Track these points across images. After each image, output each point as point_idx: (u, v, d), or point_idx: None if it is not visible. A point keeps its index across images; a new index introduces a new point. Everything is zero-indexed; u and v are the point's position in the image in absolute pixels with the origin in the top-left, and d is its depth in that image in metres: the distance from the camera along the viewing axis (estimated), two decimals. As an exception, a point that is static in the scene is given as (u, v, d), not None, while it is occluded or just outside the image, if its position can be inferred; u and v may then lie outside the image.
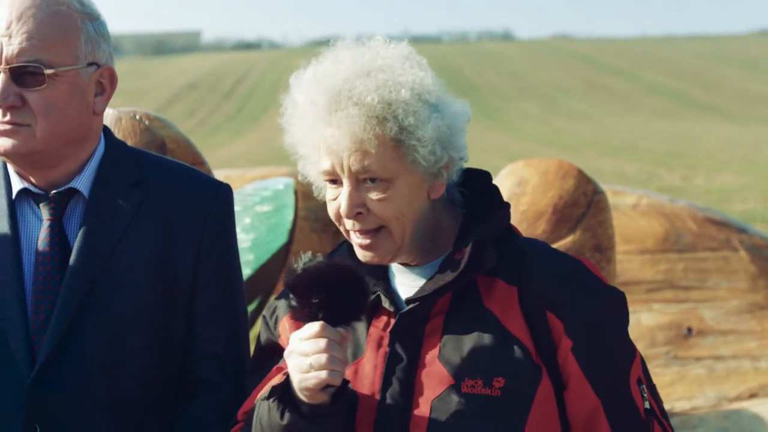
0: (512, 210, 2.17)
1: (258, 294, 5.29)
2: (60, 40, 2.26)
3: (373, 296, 2.07)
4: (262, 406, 2.05)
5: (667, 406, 2.64)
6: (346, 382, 1.99)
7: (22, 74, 2.24)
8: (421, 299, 2.04)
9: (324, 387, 1.95)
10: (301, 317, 1.99)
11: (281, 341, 2.18)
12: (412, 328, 2.06)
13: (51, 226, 2.32)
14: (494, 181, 2.19)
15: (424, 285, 2.06)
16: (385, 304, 2.09)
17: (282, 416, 1.98)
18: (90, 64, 2.31)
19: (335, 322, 1.97)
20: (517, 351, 2.01)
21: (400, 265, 2.13)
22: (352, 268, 2.00)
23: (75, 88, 2.28)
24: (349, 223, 2.06)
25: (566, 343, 2.03)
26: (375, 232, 2.05)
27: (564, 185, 4.08)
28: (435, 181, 2.07)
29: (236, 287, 2.44)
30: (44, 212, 2.33)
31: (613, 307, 2.11)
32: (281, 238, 5.39)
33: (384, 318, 2.09)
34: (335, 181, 2.06)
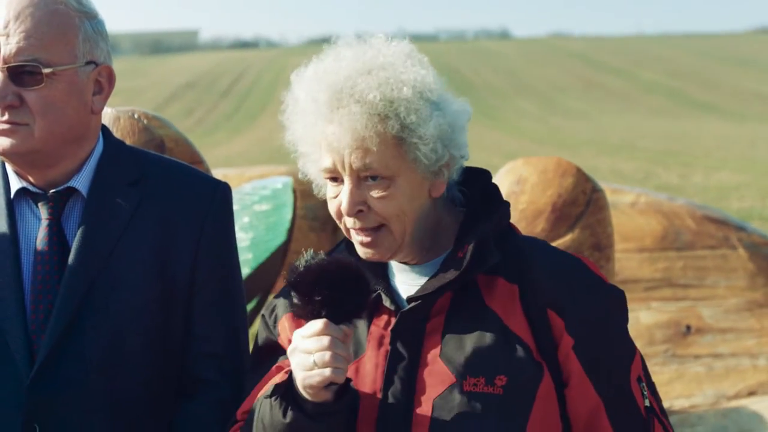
0: (511, 208, 2.17)
1: (257, 293, 5.28)
2: (58, 39, 2.25)
3: (374, 294, 2.07)
4: (263, 404, 2.04)
5: (666, 405, 2.64)
6: (348, 380, 1.99)
7: (20, 73, 2.23)
8: (422, 297, 2.04)
9: (327, 385, 1.94)
10: (303, 315, 1.99)
11: (280, 340, 2.18)
12: (413, 326, 2.06)
13: (50, 226, 2.31)
14: (493, 180, 2.19)
15: (426, 283, 2.06)
16: (386, 302, 2.08)
17: (285, 414, 1.98)
18: (88, 63, 2.30)
19: (338, 319, 1.96)
20: (519, 349, 2.01)
21: (400, 264, 2.13)
22: (355, 265, 1.99)
23: (73, 87, 2.28)
24: (349, 221, 2.06)
25: (567, 341, 2.03)
26: (375, 229, 2.05)
27: (563, 183, 4.08)
28: (436, 179, 2.07)
29: (235, 286, 2.44)
30: (43, 211, 2.32)
31: (613, 305, 2.12)
32: (280, 237, 5.39)
33: (385, 317, 2.09)
34: (336, 178, 2.06)
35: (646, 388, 2.10)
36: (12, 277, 2.28)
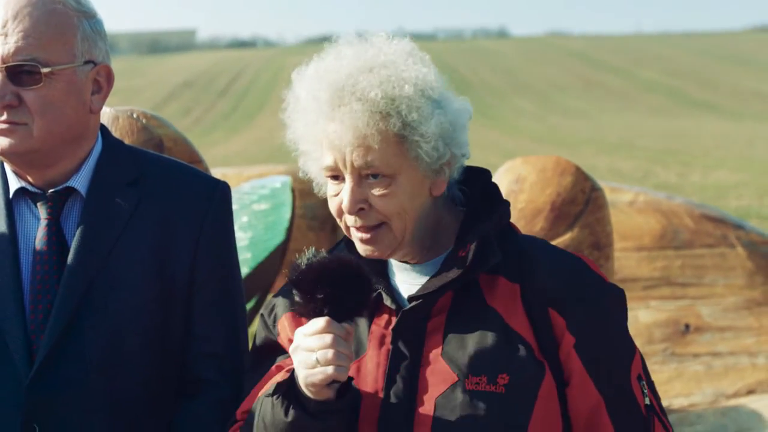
0: (510, 207, 2.17)
1: (255, 292, 5.29)
2: (56, 38, 2.25)
3: (375, 293, 2.07)
4: (265, 403, 2.04)
5: (665, 403, 2.64)
6: (350, 378, 1.99)
7: (19, 73, 2.23)
8: (424, 296, 2.04)
9: (330, 383, 1.94)
10: (305, 313, 1.98)
11: (280, 340, 2.17)
12: (415, 325, 2.05)
13: (48, 225, 2.31)
14: (492, 179, 2.19)
15: (428, 282, 2.06)
16: (387, 301, 2.08)
17: (286, 413, 1.98)
18: (87, 62, 2.30)
19: (340, 317, 1.96)
20: (521, 348, 2.01)
21: (400, 263, 2.12)
22: (356, 262, 1.99)
23: (72, 86, 2.27)
24: (350, 219, 2.05)
25: (569, 340, 2.03)
26: (375, 227, 2.05)
27: (562, 182, 4.08)
28: (437, 177, 2.06)
29: (235, 285, 2.44)
30: (42, 211, 2.32)
31: (613, 304, 2.12)
32: (278, 237, 5.39)
33: (385, 316, 2.09)
34: (337, 177, 2.06)
35: (646, 386, 2.10)
36: (11, 277, 2.27)
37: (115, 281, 2.29)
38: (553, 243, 2.61)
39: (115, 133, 3.08)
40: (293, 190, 5.51)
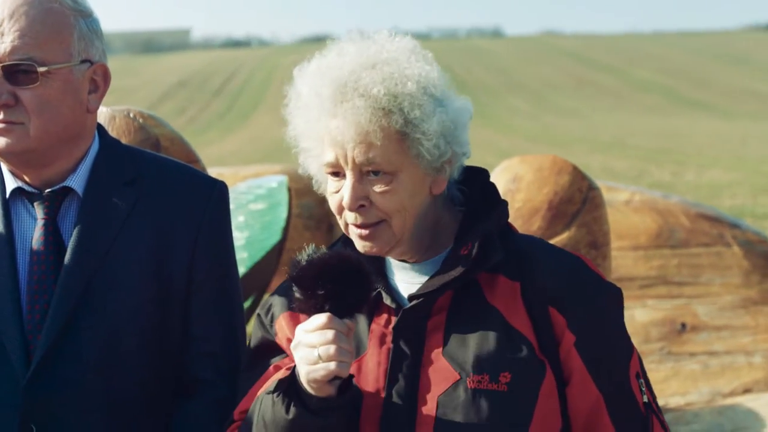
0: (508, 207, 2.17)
1: (252, 292, 5.28)
2: (53, 37, 2.24)
3: (375, 291, 2.06)
4: (265, 401, 2.03)
5: (661, 402, 2.63)
6: (351, 375, 1.99)
7: (15, 72, 2.23)
8: (425, 295, 2.04)
9: (331, 379, 1.94)
10: (306, 309, 1.98)
11: (278, 339, 2.17)
12: (415, 324, 2.05)
13: (45, 225, 2.30)
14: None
15: (429, 281, 2.06)
16: (387, 300, 2.08)
17: (287, 410, 1.97)
18: (83, 62, 2.29)
19: (341, 313, 1.96)
20: (522, 346, 2.01)
21: (399, 262, 2.12)
22: (356, 259, 1.99)
23: (68, 85, 2.27)
24: (350, 216, 2.05)
25: (569, 338, 2.03)
26: (375, 224, 2.04)
27: (559, 181, 4.08)
28: (438, 175, 2.06)
29: (232, 285, 2.43)
30: (38, 211, 2.31)
31: (612, 302, 2.12)
32: (275, 236, 5.39)
33: (385, 315, 2.08)
34: (337, 173, 2.05)
35: (644, 384, 2.10)
36: (8, 278, 2.27)
37: (113, 281, 2.29)
38: (551, 242, 2.61)
39: (112, 133, 3.07)
40: (290, 190, 5.51)
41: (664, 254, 5.88)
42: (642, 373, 2.11)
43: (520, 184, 4.11)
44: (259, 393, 2.10)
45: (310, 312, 1.97)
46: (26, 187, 2.32)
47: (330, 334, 1.93)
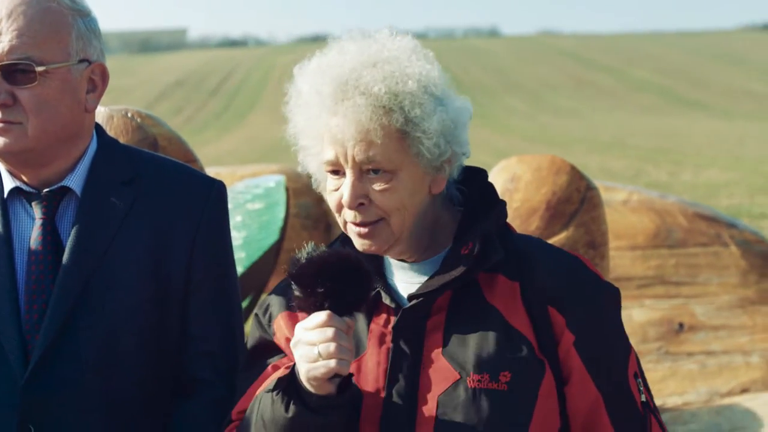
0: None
1: (249, 292, 5.28)
2: (51, 37, 2.24)
3: (375, 291, 2.06)
4: (264, 399, 2.03)
5: (659, 402, 2.63)
6: (351, 373, 1.99)
7: (13, 72, 2.22)
8: (425, 295, 2.04)
9: (332, 377, 1.94)
10: (305, 307, 1.98)
11: (276, 339, 2.16)
12: (415, 324, 2.05)
13: (43, 225, 2.30)
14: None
15: (429, 281, 2.06)
16: (386, 300, 2.08)
17: (287, 409, 1.97)
18: (81, 61, 2.29)
19: (340, 311, 1.96)
20: (522, 346, 2.02)
21: (397, 262, 2.12)
22: (355, 257, 1.99)
23: (66, 85, 2.27)
24: (350, 215, 2.05)
25: (568, 338, 2.03)
26: (374, 222, 2.04)
27: (557, 181, 4.08)
28: (437, 174, 2.06)
29: (231, 285, 2.43)
30: (36, 211, 2.31)
31: (610, 302, 2.13)
32: (273, 236, 5.39)
33: (384, 315, 2.08)
34: (337, 171, 2.05)
35: (642, 384, 2.10)
36: (6, 277, 2.27)
37: (111, 281, 2.28)
38: (549, 242, 2.61)
39: (110, 132, 3.07)
40: (287, 189, 5.51)
41: (661, 254, 5.88)
42: (640, 373, 2.12)
43: (518, 184, 4.11)
44: (257, 392, 2.09)
45: (310, 310, 1.97)
46: (24, 187, 2.32)
47: (330, 331, 1.93)
